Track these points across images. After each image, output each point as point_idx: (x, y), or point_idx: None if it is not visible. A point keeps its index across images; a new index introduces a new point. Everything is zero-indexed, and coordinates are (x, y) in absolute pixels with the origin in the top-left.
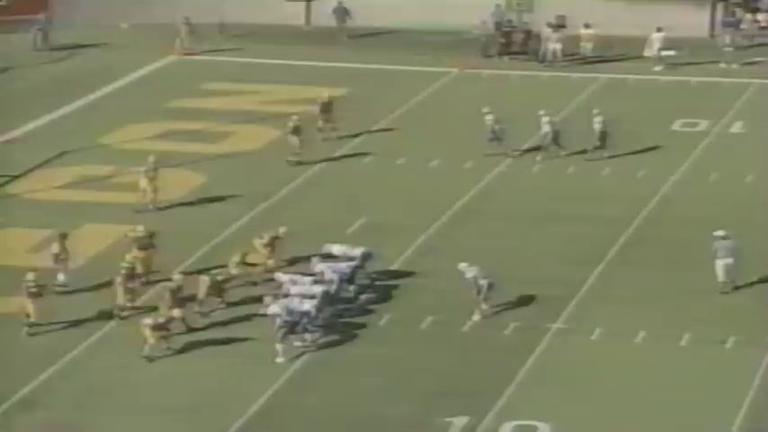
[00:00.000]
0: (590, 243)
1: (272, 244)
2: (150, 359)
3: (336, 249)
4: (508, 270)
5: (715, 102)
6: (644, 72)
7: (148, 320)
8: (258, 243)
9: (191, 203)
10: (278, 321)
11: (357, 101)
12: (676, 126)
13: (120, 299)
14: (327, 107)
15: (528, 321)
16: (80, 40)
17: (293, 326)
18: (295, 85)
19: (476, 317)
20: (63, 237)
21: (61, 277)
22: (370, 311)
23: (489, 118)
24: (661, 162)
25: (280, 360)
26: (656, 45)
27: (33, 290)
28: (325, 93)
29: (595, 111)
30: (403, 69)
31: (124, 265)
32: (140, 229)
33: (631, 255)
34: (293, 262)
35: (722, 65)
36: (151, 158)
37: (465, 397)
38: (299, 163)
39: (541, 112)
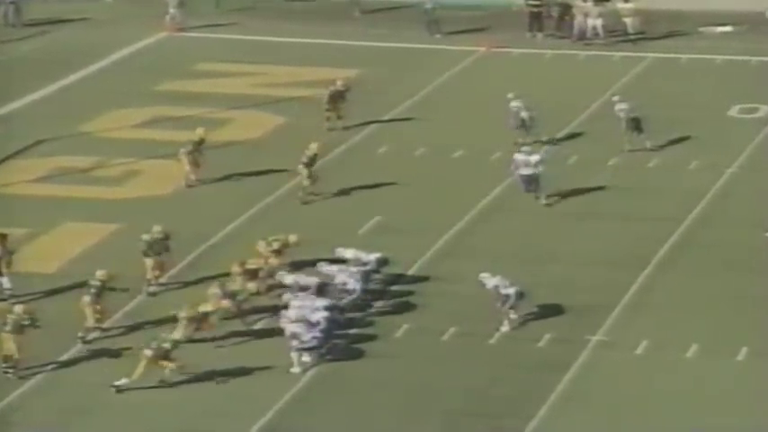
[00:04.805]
0: (634, 244)
1: (281, 251)
2: (120, 390)
3: (350, 254)
4: (541, 275)
5: None
6: (698, 51)
7: (149, 351)
8: (265, 249)
9: (183, 199)
10: (295, 343)
11: (370, 84)
12: (733, 112)
13: (90, 320)
14: (338, 96)
15: (564, 333)
16: (58, 15)
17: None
18: (300, 66)
19: (504, 327)
20: (2, 237)
21: (6, 282)
22: (385, 321)
23: (515, 105)
24: (716, 152)
25: (295, 370)
26: None
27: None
28: (338, 80)
29: (616, 97)
30: (422, 48)
31: (93, 283)
32: (157, 230)
33: (682, 257)
34: (299, 266)
35: None
36: (200, 131)
37: (492, 418)
38: (307, 202)
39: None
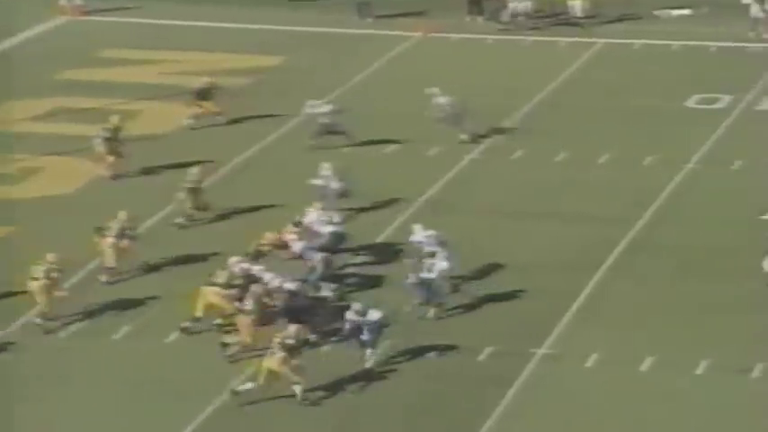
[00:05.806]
0: (584, 247)
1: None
2: (307, 401)
3: (310, 217)
4: (482, 281)
5: (739, 73)
6: (652, 36)
7: (280, 355)
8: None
9: (88, 198)
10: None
11: (295, 72)
12: (691, 102)
13: (45, 306)
14: (205, 93)
15: (507, 345)
16: None
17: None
18: (218, 53)
19: (430, 314)
20: None
21: None
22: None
23: (322, 111)
24: (672, 147)
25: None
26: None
27: None
28: (204, 77)
29: (435, 89)
30: (353, 33)
31: (51, 266)
32: (123, 216)
33: (635, 261)
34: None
35: (750, 33)
36: (114, 119)
37: None
38: (184, 226)
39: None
